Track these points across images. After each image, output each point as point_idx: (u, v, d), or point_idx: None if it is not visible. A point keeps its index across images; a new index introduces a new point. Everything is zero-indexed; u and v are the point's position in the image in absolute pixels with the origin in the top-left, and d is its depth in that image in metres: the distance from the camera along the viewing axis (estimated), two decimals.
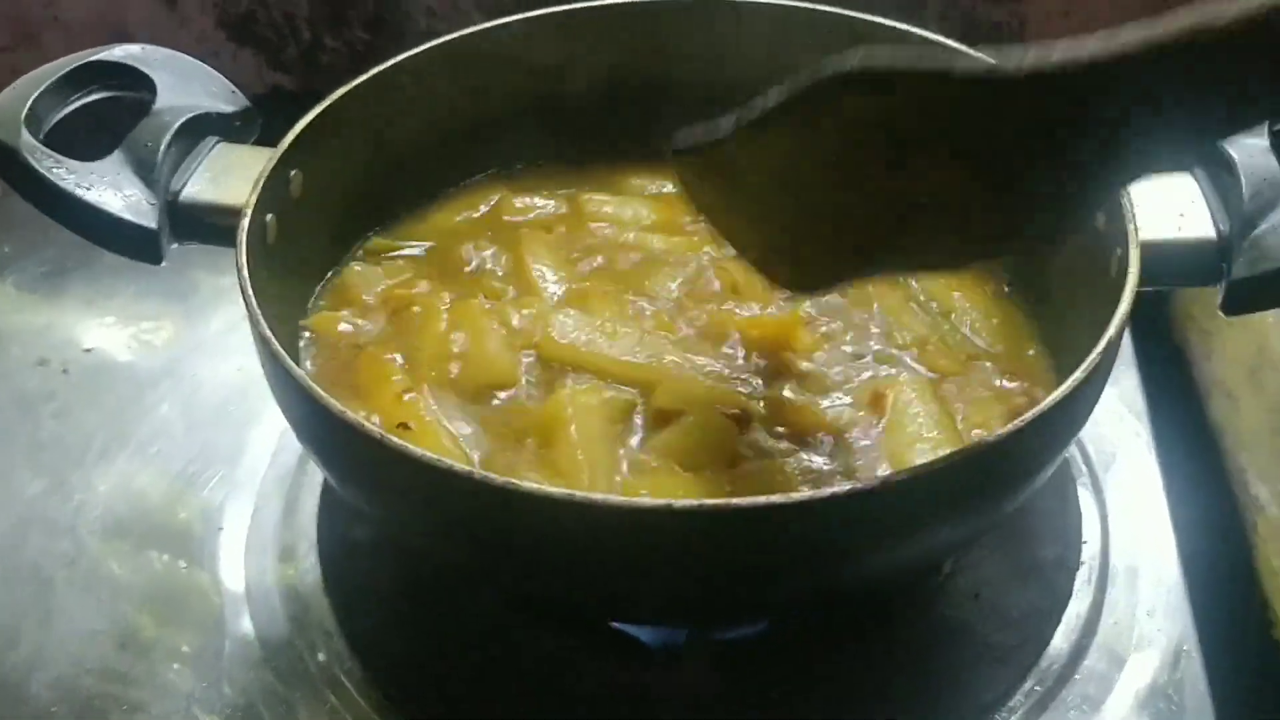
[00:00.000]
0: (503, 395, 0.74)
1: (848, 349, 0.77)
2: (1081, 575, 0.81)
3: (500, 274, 0.83)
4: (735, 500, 0.57)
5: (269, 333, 0.65)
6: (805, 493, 0.57)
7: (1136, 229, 0.69)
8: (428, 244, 0.86)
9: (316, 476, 0.87)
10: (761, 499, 0.57)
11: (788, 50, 0.87)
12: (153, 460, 0.90)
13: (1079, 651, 0.77)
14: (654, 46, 0.90)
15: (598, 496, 0.58)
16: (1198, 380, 0.97)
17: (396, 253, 0.85)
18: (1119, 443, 0.89)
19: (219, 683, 0.77)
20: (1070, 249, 0.76)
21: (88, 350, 0.99)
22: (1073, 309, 0.76)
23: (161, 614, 0.81)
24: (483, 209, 0.89)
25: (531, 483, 0.59)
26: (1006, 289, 0.82)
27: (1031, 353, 0.78)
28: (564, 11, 0.89)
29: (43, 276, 1.06)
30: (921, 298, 0.81)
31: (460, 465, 0.59)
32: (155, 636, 0.80)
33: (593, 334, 0.76)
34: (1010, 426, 0.60)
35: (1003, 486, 0.65)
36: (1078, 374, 0.62)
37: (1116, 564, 0.82)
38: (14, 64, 1.29)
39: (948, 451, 0.63)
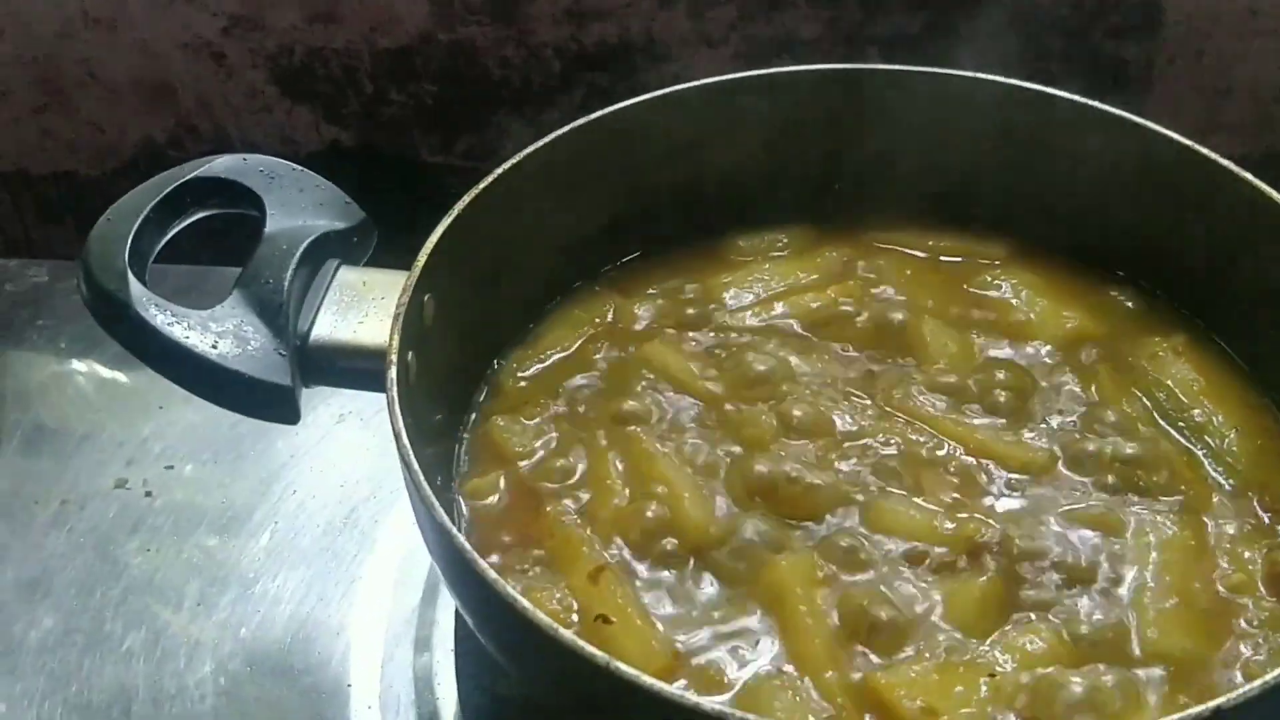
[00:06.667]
0: (709, 555, 0.65)
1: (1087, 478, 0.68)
2: None
3: (652, 402, 0.73)
4: None
5: (444, 518, 0.56)
6: None
7: None
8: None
9: (446, 613, 0.79)
10: None
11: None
12: (258, 603, 0.81)
13: None
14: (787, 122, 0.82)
15: None
16: None
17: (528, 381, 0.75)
18: None
19: None
20: None
21: (169, 467, 0.89)
22: None
23: None
24: (599, 322, 0.79)
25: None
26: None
27: None
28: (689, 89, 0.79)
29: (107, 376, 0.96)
30: (1169, 409, 0.71)
31: (687, 697, 0.51)
32: None
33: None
34: None
35: None
36: None
37: None
38: (46, 125, 1.20)
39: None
